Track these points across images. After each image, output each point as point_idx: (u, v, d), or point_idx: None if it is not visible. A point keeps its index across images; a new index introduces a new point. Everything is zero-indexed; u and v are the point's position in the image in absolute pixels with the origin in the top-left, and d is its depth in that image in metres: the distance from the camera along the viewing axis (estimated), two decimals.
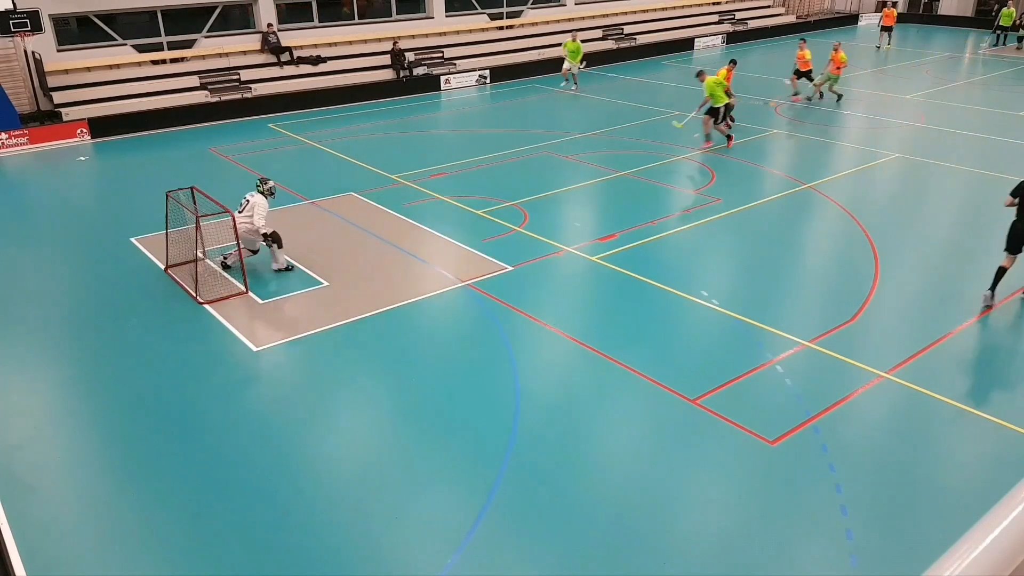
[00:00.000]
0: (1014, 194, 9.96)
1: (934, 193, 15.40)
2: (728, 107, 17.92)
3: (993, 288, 10.15)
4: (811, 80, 22.23)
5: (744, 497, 7.03)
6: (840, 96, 22.19)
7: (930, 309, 10.52)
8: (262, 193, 11.36)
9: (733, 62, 19.22)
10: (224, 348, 9.67)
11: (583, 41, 25.47)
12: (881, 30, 31.86)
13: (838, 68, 21.78)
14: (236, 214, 10.94)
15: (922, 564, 5.22)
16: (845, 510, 6.78)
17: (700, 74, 18.05)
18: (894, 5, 36.10)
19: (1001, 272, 10.06)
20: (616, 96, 23.79)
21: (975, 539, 2.34)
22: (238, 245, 11.01)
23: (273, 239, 11.28)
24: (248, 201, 11.27)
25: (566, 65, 24.78)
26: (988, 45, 31.90)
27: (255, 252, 11.58)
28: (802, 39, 23.14)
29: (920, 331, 9.84)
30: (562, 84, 24.86)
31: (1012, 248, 10.06)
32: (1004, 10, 31.73)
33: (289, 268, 11.54)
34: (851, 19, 39.15)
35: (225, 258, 11.59)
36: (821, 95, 22.40)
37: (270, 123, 21.05)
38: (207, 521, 6.78)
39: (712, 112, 17.60)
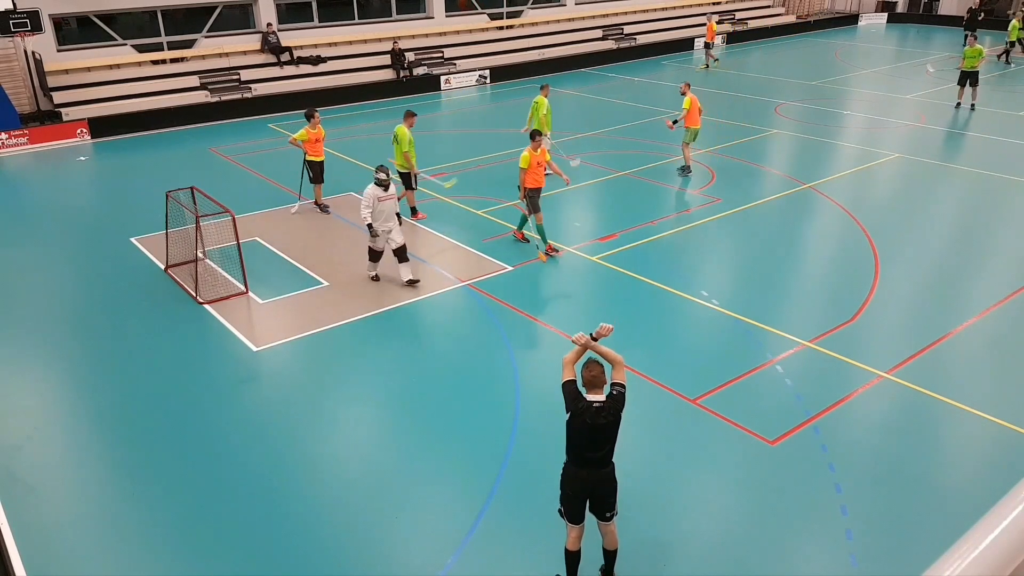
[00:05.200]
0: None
1: (934, 193, 15.39)
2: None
3: None
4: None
5: (744, 497, 7.04)
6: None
7: (930, 309, 10.52)
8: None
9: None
10: (224, 348, 9.68)
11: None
12: (704, 46, 28.73)
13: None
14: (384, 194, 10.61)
15: (922, 564, 5.21)
16: (845, 510, 6.78)
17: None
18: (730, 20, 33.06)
19: (573, 562, 5.91)
20: (616, 96, 23.78)
21: (975, 539, 2.34)
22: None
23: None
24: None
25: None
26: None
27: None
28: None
29: (920, 331, 9.84)
30: None
31: (576, 516, 5.80)
32: (1014, 22, 27.83)
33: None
34: (851, 19, 39.09)
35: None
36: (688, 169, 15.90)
37: (270, 123, 21.04)
38: (206, 521, 6.78)
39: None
